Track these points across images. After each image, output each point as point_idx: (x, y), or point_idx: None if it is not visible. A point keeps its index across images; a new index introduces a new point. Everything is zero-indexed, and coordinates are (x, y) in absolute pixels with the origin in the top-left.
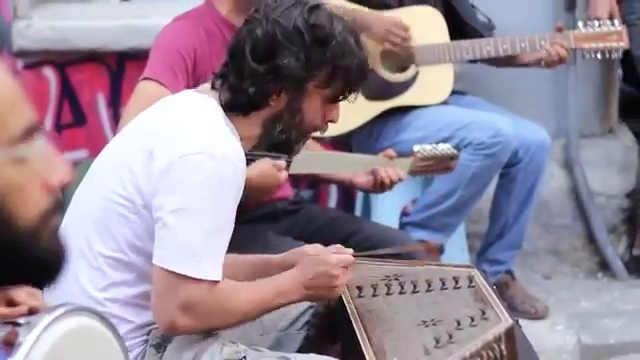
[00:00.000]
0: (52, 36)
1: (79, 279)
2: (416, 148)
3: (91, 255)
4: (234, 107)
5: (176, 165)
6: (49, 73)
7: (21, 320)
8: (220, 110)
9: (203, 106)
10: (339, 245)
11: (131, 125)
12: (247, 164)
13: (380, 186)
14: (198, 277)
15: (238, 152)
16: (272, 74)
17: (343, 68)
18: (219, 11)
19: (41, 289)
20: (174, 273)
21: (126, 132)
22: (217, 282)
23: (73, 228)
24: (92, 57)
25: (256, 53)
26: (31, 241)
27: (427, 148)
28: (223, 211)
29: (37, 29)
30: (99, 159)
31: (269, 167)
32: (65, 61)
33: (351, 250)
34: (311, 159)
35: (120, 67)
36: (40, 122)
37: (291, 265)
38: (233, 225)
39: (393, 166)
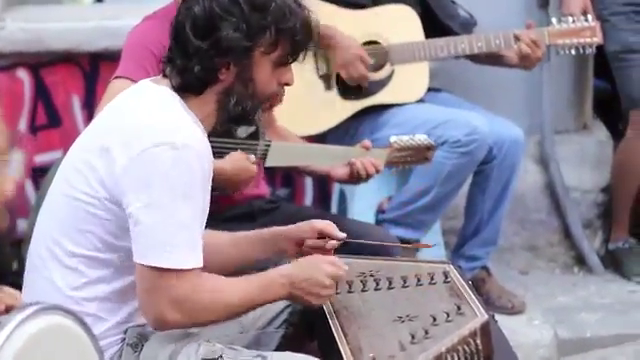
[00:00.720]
0: (25, 38)
1: (54, 280)
2: (393, 139)
3: (64, 255)
4: (186, 88)
5: (138, 160)
6: (23, 75)
7: None
8: (176, 97)
9: (158, 96)
10: (336, 258)
11: (93, 124)
12: (220, 156)
13: (357, 177)
14: (179, 268)
15: (199, 138)
16: (215, 48)
17: (286, 30)
18: None
19: None
20: (155, 268)
21: (86, 130)
22: (199, 270)
23: (44, 230)
24: (66, 58)
25: (197, 30)
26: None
27: (404, 139)
28: (192, 198)
29: (10, 31)
30: (65, 160)
31: (242, 159)
32: (39, 63)
33: (346, 267)
34: (288, 151)
35: (94, 68)
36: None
37: (299, 236)
38: (207, 210)
39: (369, 157)
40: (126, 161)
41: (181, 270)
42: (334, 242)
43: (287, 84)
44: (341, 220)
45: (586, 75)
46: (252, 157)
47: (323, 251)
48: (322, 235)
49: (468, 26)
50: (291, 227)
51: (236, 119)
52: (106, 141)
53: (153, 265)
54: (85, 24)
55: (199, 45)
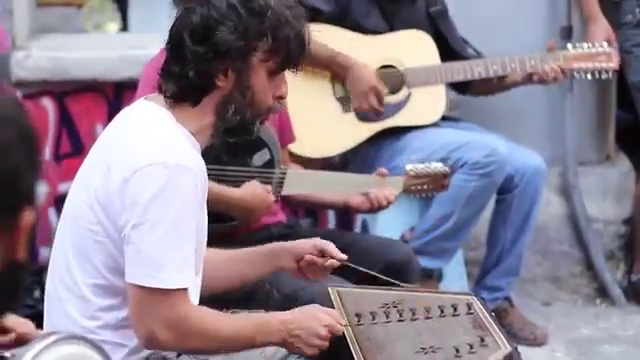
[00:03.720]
0: (50, 66)
1: (68, 310)
2: (408, 167)
3: (74, 285)
4: (182, 97)
5: (131, 180)
6: (47, 103)
7: (7, 354)
8: (168, 114)
9: (151, 115)
10: (335, 311)
11: (93, 149)
12: (236, 185)
13: (375, 207)
14: (168, 288)
15: (192, 157)
16: (213, 51)
17: (283, 38)
18: None
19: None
20: (145, 288)
21: (89, 157)
22: (186, 290)
23: (57, 259)
24: (90, 87)
25: (194, 36)
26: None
27: (419, 166)
28: (184, 218)
29: (35, 59)
30: (71, 188)
31: (258, 188)
32: (63, 91)
33: (343, 321)
34: (304, 179)
35: (118, 97)
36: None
37: (299, 252)
38: (204, 230)
39: (386, 185)
40: (120, 181)
41: (169, 290)
42: (334, 261)
43: (281, 97)
44: (359, 235)
45: (609, 106)
46: (269, 187)
47: (321, 269)
48: (323, 254)
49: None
50: (292, 242)
51: (234, 130)
52: (107, 163)
53: (141, 284)
54: (110, 53)
55: (196, 49)
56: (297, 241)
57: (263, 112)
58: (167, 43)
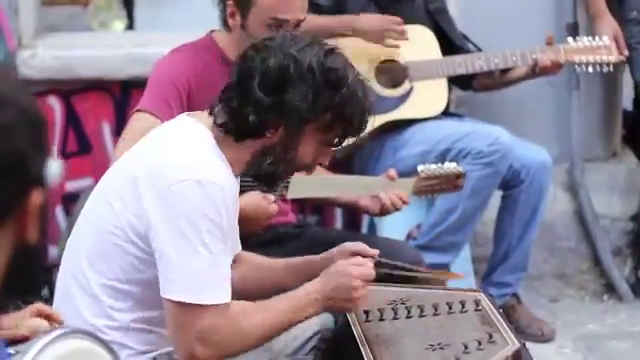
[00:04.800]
0: (56, 65)
1: (78, 308)
2: (420, 168)
3: (88, 284)
4: (228, 130)
5: (164, 195)
6: (54, 102)
7: (11, 350)
8: (209, 135)
9: (191, 132)
10: (359, 258)
11: (124, 155)
12: (242, 191)
13: (385, 210)
14: (206, 304)
15: (225, 175)
16: (277, 107)
17: (347, 116)
18: (221, 47)
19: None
20: (182, 303)
21: (118, 162)
22: (227, 305)
23: (70, 258)
24: (97, 86)
25: (265, 83)
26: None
27: (432, 167)
28: (218, 234)
29: (41, 58)
30: (95, 190)
31: (259, 199)
32: (70, 90)
33: (371, 264)
34: (310, 183)
35: (125, 95)
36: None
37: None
38: (238, 243)
39: (396, 187)
40: (152, 195)
41: (206, 306)
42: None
43: (321, 164)
44: (369, 238)
45: (615, 103)
46: (271, 197)
47: None
48: (355, 254)
49: None
50: (324, 255)
51: (263, 178)
52: (135, 172)
53: (177, 300)
54: (116, 51)
55: (261, 98)
56: (328, 252)
57: (297, 170)
58: (235, 74)
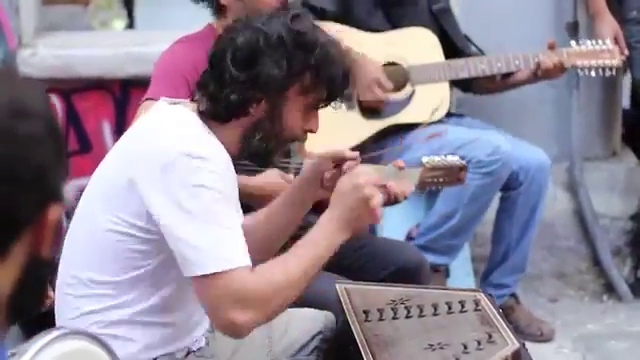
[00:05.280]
0: (57, 64)
1: (80, 307)
2: (424, 159)
3: (89, 282)
4: (213, 115)
5: (161, 178)
6: (54, 101)
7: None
8: (196, 117)
9: (178, 116)
10: (358, 168)
11: (115, 148)
12: (254, 174)
13: (392, 201)
14: (231, 268)
15: (216, 145)
16: (252, 81)
17: (327, 75)
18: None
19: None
20: (207, 276)
21: (111, 160)
22: (249, 266)
23: (69, 257)
24: (97, 85)
25: (237, 61)
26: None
27: (436, 159)
28: (222, 201)
29: (42, 57)
30: (88, 189)
31: (278, 178)
32: (70, 89)
33: (357, 154)
34: None
35: (125, 94)
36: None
37: (319, 176)
38: (241, 213)
39: (403, 177)
40: (151, 184)
41: (231, 270)
42: (351, 163)
43: (311, 131)
44: (368, 238)
45: (615, 102)
46: (290, 176)
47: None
48: (336, 162)
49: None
50: (305, 168)
51: (255, 156)
52: (130, 172)
53: (202, 274)
54: (116, 51)
55: (237, 75)
56: (310, 163)
57: (288, 142)
58: (209, 58)
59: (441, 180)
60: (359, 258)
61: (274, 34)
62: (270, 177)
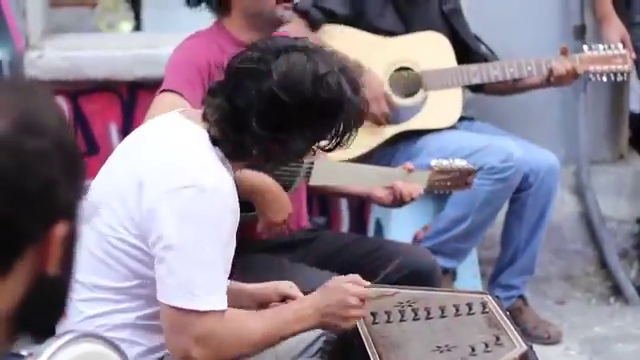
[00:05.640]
0: (64, 66)
1: (84, 311)
2: (433, 162)
3: (93, 287)
4: (225, 151)
5: (166, 200)
6: (61, 103)
7: (24, 352)
8: (206, 136)
9: (191, 135)
10: (357, 276)
11: (122, 152)
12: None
13: (399, 201)
14: (204, 310)
15: (227, 182)
16: (270, 140)
17: (347, 132)
18: (229, 31)
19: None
20: (180, 309)
21: (117, 161)
22: (224, 311)
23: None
24: (104, 87)
25: (263, 120)
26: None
27: (444, 162)
28: (219, 242)
29: (49, 59)
30: (92, 190)
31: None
32: (77, 91)
33: (367, 282)
34: (331, 170)
35: (132, 96)
36: None
37: (264, 299)
38: (233, 251)
39: (411, 180)
40: (153, 200)
41: (205, 312)
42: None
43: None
44: (386, 243)
45: (622, 105)
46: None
47: None
48: (284, 299)
49: (492, 60)
50: (256, 287)
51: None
52: (140, 176)
53: (177, 306)
54: (124, 53)
55: (256, 130)
56: (262, 286)
57: (295, 161)
58: (228, 79)
59: (449, 184)
60: (372, 261)
61: (303, 100)
62: (275, 185)
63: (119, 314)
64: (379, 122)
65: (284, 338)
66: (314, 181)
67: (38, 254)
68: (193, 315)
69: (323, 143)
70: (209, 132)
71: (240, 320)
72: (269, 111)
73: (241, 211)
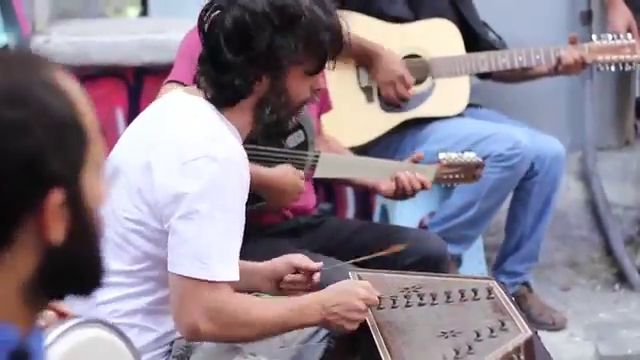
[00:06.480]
0: (71, 51)
1: (94, 297)
2: (441, 155)
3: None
4: (222, 102)
5: (178, 173)
6: None
7: None
8: (212, 108)
9: (195, 108)
10: (368, 283)
11: (129, 137)
12: (269, 166)
13: (402, 192)
14: (214, 280)
15: (238, 150)
16: (250, 62)
17: (316, 42)
18: None
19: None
20: (191, 278)
21: (124, 145)
22: (234, 282)
23: None
24: (111, 72)
25: (231, 45)
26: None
27: (452, 155)
28: (231, 212)
29: (56, 44)
30: None
31: (291, 172)
32: (83, 76)
33: (377, 292)
34: (337, 163)
35: (139, 82)
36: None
37: (276, 275)
38: (243, 223)
39: (418, 173)
40: (166, 175)
41: (215, 282)
42: (317, 277)
43: (318, 89)
44: (389, 228)
45: (628, 92)
46: (301, 172)
47: (305, 285)
48: (298, 270)
49: (501, 47)
50: (266, 265)
51: (270, 127)
52: (147, 157)
53: (188, 275)
54: (130, 38)
55: (234, 60)
56: (271, 262)
57: (299, 107)
58: (203, 44)
59: (457, 177)
60: (383, 247)
61: (259, 12)
62: (283, 170)
63: (130, 299)
64: (395, 103)
65: (289, 328)
66: (319, 173)
67: (36, 224)
68: (204, 285)
69: (307, 67)
70: (206, 97)
71: (253, 304)
72: (234, 35)
73: (249, 202)
